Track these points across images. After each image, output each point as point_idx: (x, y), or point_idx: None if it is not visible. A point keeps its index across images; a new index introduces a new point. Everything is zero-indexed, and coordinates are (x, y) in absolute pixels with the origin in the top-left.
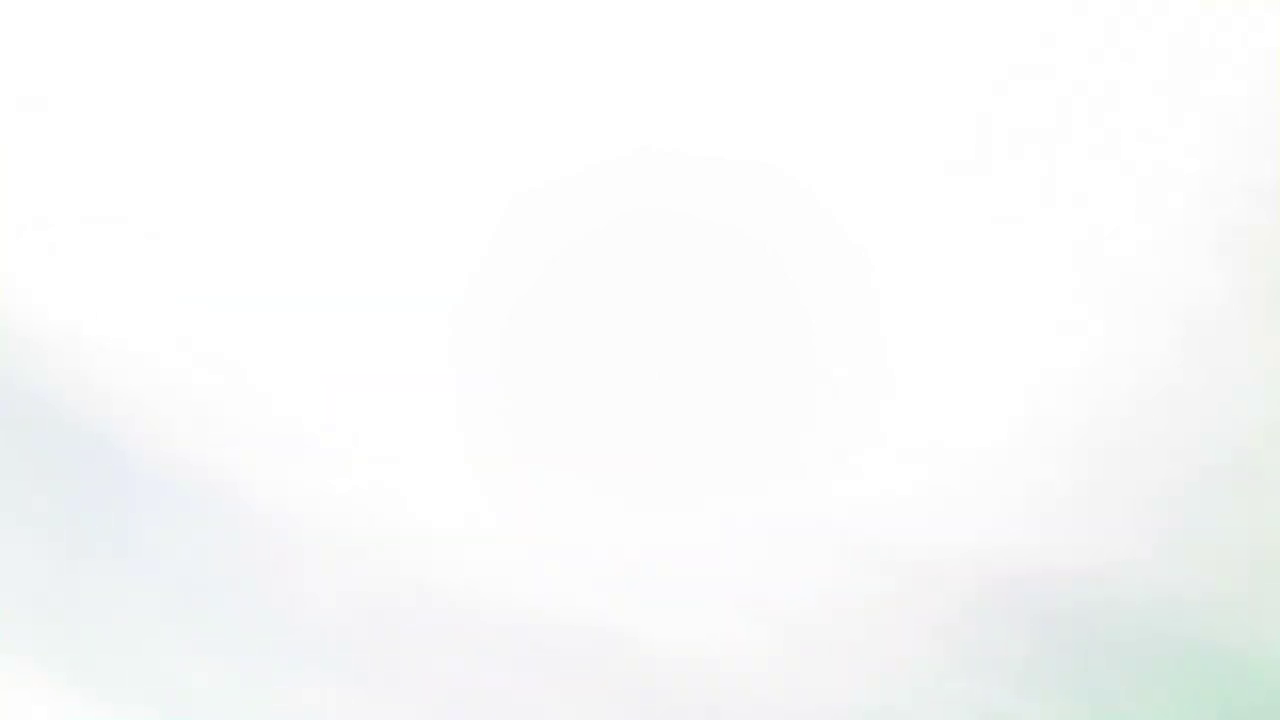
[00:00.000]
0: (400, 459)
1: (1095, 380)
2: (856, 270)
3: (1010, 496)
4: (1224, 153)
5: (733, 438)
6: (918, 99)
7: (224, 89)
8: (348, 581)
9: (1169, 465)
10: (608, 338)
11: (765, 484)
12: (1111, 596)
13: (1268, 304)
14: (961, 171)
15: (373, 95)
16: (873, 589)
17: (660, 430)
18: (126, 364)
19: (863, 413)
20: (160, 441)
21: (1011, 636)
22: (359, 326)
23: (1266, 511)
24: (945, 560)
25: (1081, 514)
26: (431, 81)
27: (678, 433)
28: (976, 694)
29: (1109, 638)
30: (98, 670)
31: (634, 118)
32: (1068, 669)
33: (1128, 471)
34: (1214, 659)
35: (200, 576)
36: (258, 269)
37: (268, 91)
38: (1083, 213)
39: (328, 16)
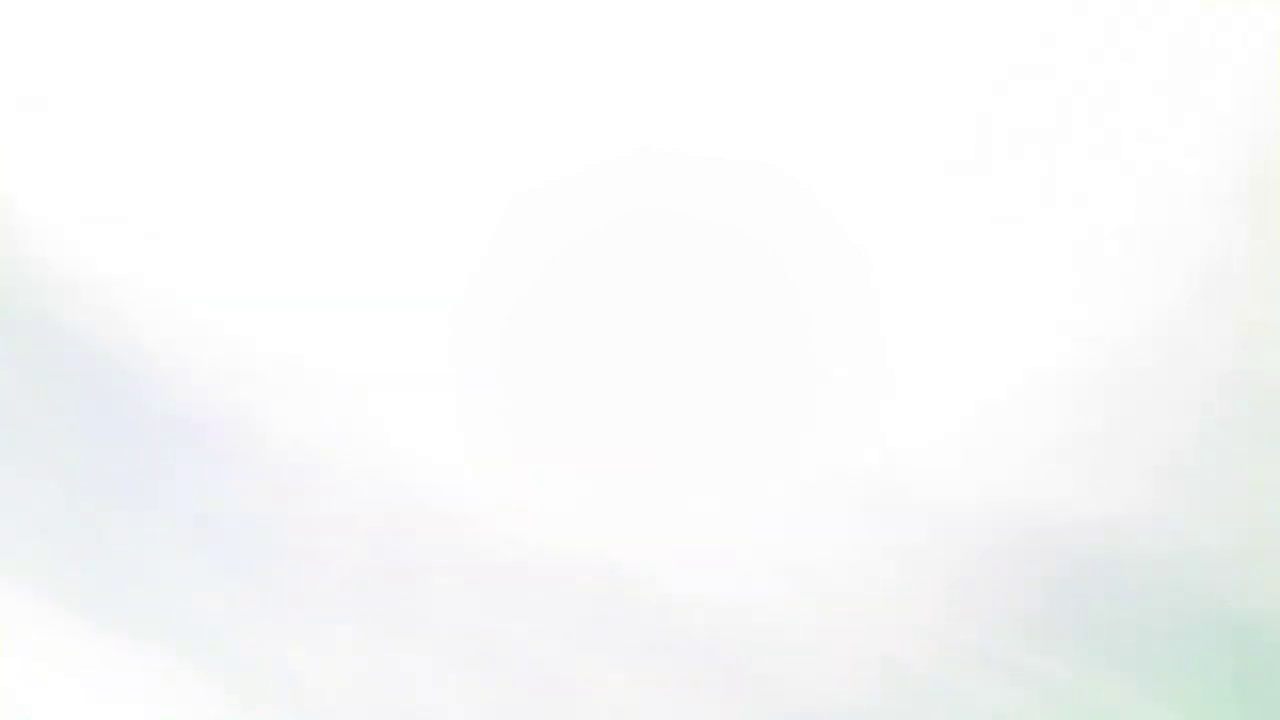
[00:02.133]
0: (424, 407)
1: (1108, 333)
2: (860, 256)
3: (1025, 450)
4: (1223, 152)
5: (751, 397)
6: (918, 99)
7: (228, 89)
8: (369, 524)
9: (1183, 418)
10: (618, 314)
11: (783, 441)
12: (1126, 549)
13: (1273, 257)
14: (962, 167)
15: (373, 95)
16: (888, 542)
17: (679, 395)
18: (148, 304)
19: (877, 371)
20: (184, 383)
21: (1026, 589)
22: (381, 282)
23: (1277, 463)
24: (961, 513)
25: (1095, 467)
26: (431, 82)
27: (696, 397)
28: (990, 646)
29: (1123, 590)
30: (116, 605)
31: (634, 118)
32: (1081, 621)
33: (1141, 424)
34: (1227, 611)
35: (221, 516)
36: (283, 223)
37: (270, 91)
38: (1096, 166)
39: (328, 17)
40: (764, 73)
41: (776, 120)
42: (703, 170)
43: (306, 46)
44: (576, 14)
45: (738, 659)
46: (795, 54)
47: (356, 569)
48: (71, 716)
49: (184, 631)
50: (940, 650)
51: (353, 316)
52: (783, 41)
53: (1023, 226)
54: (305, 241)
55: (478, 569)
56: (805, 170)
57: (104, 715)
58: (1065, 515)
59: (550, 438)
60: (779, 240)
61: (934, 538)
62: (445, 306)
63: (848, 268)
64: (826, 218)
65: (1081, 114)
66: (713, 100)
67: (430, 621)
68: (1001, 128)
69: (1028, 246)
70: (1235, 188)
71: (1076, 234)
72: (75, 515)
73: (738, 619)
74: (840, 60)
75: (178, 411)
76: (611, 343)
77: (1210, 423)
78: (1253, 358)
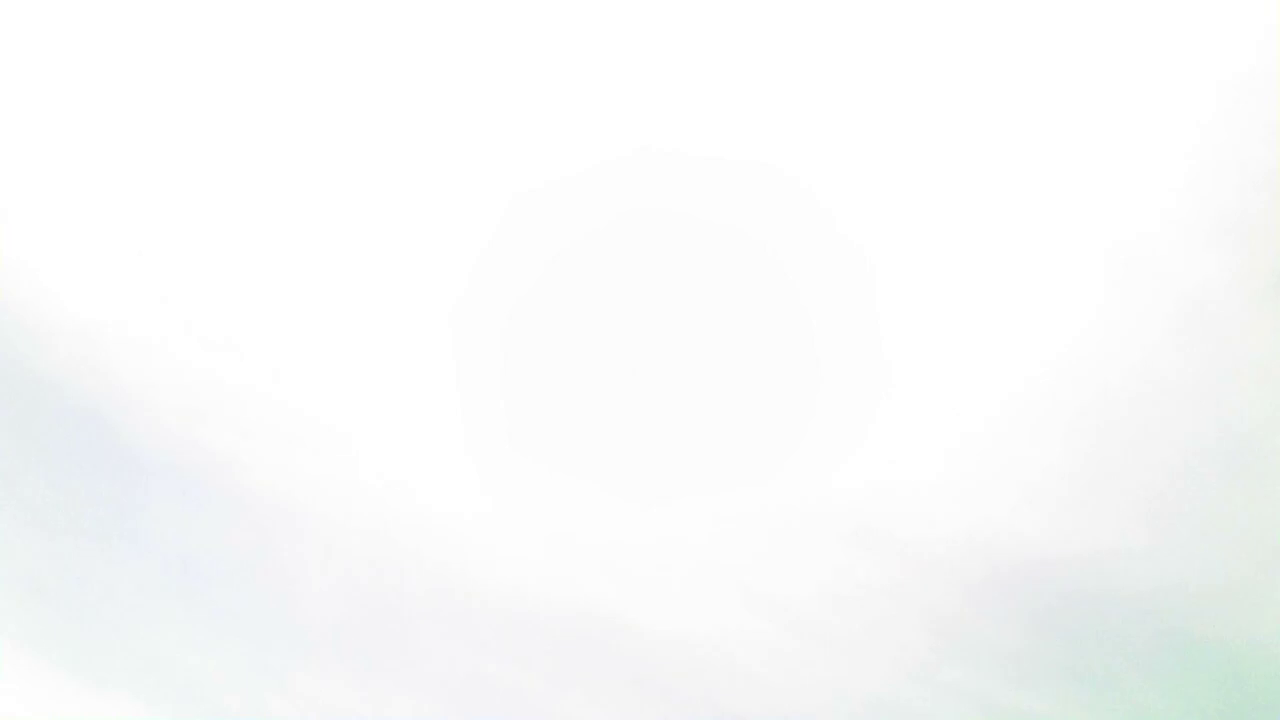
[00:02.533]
0: (402, 447)
1: (1092, 369)
2: (853, 266)
3: (1007, 486)
4: (1221, 138)
5: (732, 430)
6: (918, 99)
7: (228, 89)
8: (348, 567)
9: (1166, 453)
10: (608, 334)
11: (764, 475)
12: (1108, 585)
13: (1264, 289)
14: (959, 165)
15: (373, 95)
16: (871, 578)
17: (661, 423)
18: (130, 351)
19: (860, 404)
20: (164, 428)
21: (1008, 625)
22: (361, 318)
23: (1263, 499)
24: (943, 549)
25: (1078, 502)
26: (431, 82)
27: (678, 425)
28: (973, 682)
29: (1105, 626)
30: (97, 655)
31: (634, 118)
32: (1064, 657)
33: (1125, 460)
34: (1209, 647)
35: (201, 561)
36: (262, 260)
37: (271, 91)
38: (1081, 201)
39: (328, 17)
40: (764, 73)
41: (776, 120)
42: (703, 170)
43: (307, 46)
44: (576, 14)
45: (717, 693)
46: (795, 54)
47: (336, 609)
48: None
49: (162, 677)
50: (921, 686)
51: (354, 308)
52: (782, 42)
53: (1019, 217)
54: (308, 235)
55: (457, 606)
56: (805, 170)
57: None
58: (1047, 551)
59: (532, 464)
60: (778, 238)
61: (916, 572)
62: (445, 303)
63: (844, 265)
64: (825, 216)
65: (1077, 102)
66: (713, 100)
67: (410, 659)
68: (997, 119)
69: (1013, 282)
70: (1221, 225)
71: (1061, 272)
72: (52, 560)
73: (717, 652)
74: (840, 60)
75: (156, 455)
76: (601, 353)
77: (1192, 459)
78: (1234, 395)
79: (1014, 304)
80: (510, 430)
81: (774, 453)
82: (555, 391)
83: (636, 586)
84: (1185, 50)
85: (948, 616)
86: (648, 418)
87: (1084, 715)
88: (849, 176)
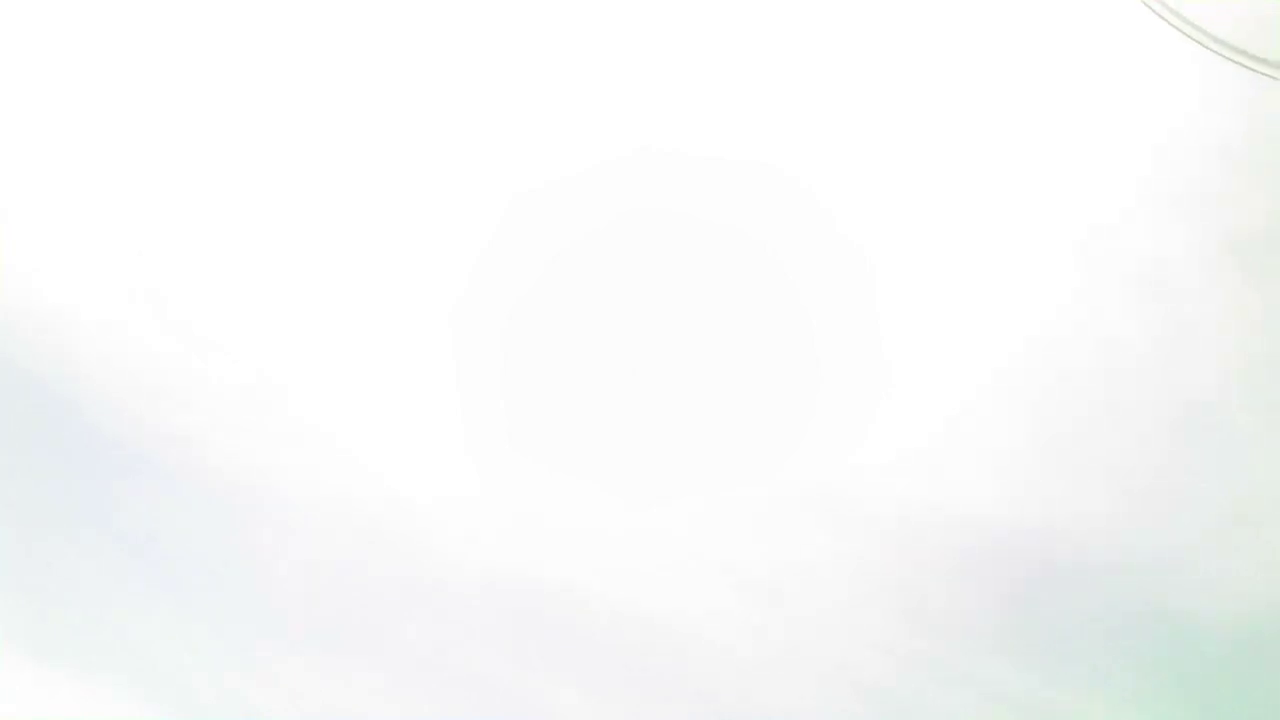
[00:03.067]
0: (394, 441)
1: (1061, 348)
2: (840, 253)
3: (980, 463)
4: (1188, 114)
5: (716, 415)
6: (918, 99)
7: (228, 88)
8: (339, 562)
9: (1136, 428)
10: (602, 327)
11: (747, 459)
12: (1080, 560)
13: (1229, 265)
14: (933, 152)
15: (373, 95)
16: (845, 554)
17: (654, 415)
18: (103, 340)
19: (840, 387)
20: (153, 425)
21: (985, 601)
22: (355, 314)
23: (1230, 471)
24: (917, 526)
25: (1049, 479)
26: (431, 81)
27: (672, 418)
28: (953, 658)
29: (1079, 600)
30: (70, 643)
31: (634, 118)
32: (1040, 632)
33: (1095, 436)
34: (1179, 618)
35: (189, 557)
36: (255, 257)
37: (271, 90)
38: (1052, 182)
39: (328, 17)
40: (764, 72)
41: (776, 120)
42: (703, 170)
43: (306, 46)
44: (576, 14)
45: (695, 672)
46: (795, 54)
47: (305, 592)
48: None
49: (138, 668)
50: (898, 661)
51: (329, 344)
52: (782, 42)
53: (982, 240)
54: (293, 228)
55: (442, 595)
56: (805, 170)
57: None
58: (1020, 527)
59: (520, 452)
60: (772, 235)
61: (891, 549)
62: (436, 310)
63: (828, 252)
64: (824, 218)
65: (1053, 89)
66: (713, 100)
67: (394, 649)
68: (979, 109)
69: (986, 260)
70: (1183, 198)
71: (1032, 249)
72: (36, 553)
73: (695, 632)
74: (840, 60)
75: (123, 440)
76: (597, 350)
77: (1161, 434)
78: (1200, 371)
79: (976, 282)
80: (505, 425)
81: (753, 438)
82: (549, 385)
83: (613, 565)
84: (1146, 25)
85: (922, 592)
86: (641, 411)
87: (1057, 686)
88: (846, 173)
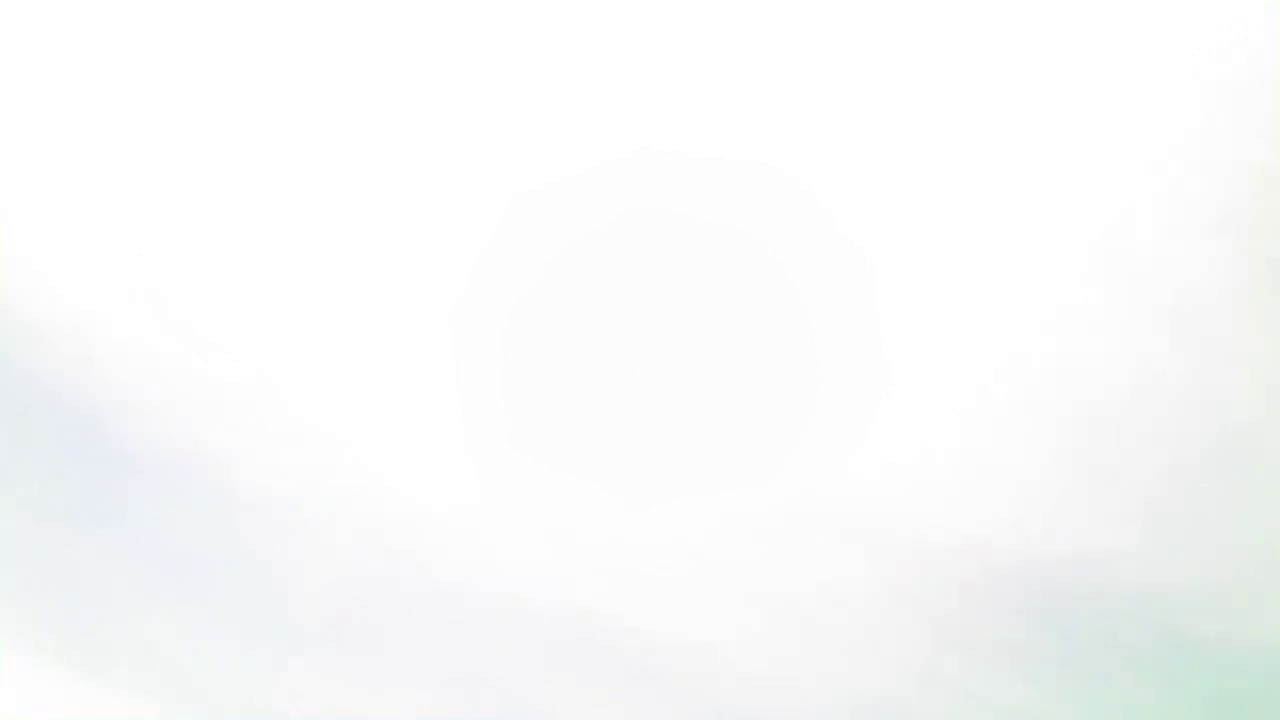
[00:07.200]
0: (396, 443)
1: (1089, 370)
2: (854, 267)
3: (1005, 486)
4: (1220, 135)
5: (732, 429)
6: (918, 92)
7: (229, 88)
8: (342, 564)
9: (1162, 453)
10: (608, 333)
11: (764, 475)
12: (1104, 584)
13: (1259, 289)
14: (960, 164)
15: (373, 95)
16: (870, 577)
17: (661, 422)
18: (124, 349)
19: (860, 405)
20: (157, 426)
21: (1006, 624)
22: (358, 316)
23: (1257, 499)
24: (942, 547)
25: (1075, 502)
26: (431, 82)
27: (678, 425)
28: (971, 680)
29: (1101, 625)
30: (93, 652)
31: (634, 118)
32: (1061, 656)
33: (1121, 460)
34: (1203, 646)
35: (195, 558)
36: (256, 258)
37: (271, 90)
38: (1078, 201)
39: (328, 16)
40: (764, 73)
41: (776, 120)
42: (703, 170)
43: (306, 46)
44: (576, 14)
45: (714, 691)
46: (795, 54)
47: (333, 605)
48: None
49: (157, 673)
50: (919, 684)
51: (349, 306)
52: (782, 42)
53: (1001, 260)
54: (304, 233)
55: (454, 603)
56: (805, 170)
57: None
58: (1045, 550)
59: (529, 460)
60: (778, 239)
61: (915, 571)
62: (444, 301)
63: (844, 266)
64: (826, 217)
65: (1076, 100)
66: (713, 100)
67: (407, 656)
68: (995, 118)
69: (1005, 279)
70: (1213, 219)
71: (1054, 269)
72: (46, 556)
73: (715, 650)
74: (840, 60)
75: (147, 449)
76: (599, 351)
77: (1188, 457)
78: (1230, 392)
79: (1007, 302)
80: (508, 427)
81: (771, 451)
82: (554, 389)
83: (634, 584)
84: (1176, 41)
85: (945, 614)
86: (646, 417)
87: (1080, 712)
88: (848, 175)
